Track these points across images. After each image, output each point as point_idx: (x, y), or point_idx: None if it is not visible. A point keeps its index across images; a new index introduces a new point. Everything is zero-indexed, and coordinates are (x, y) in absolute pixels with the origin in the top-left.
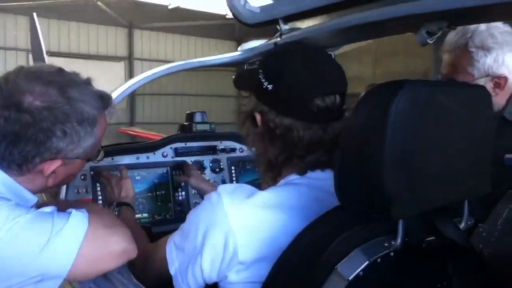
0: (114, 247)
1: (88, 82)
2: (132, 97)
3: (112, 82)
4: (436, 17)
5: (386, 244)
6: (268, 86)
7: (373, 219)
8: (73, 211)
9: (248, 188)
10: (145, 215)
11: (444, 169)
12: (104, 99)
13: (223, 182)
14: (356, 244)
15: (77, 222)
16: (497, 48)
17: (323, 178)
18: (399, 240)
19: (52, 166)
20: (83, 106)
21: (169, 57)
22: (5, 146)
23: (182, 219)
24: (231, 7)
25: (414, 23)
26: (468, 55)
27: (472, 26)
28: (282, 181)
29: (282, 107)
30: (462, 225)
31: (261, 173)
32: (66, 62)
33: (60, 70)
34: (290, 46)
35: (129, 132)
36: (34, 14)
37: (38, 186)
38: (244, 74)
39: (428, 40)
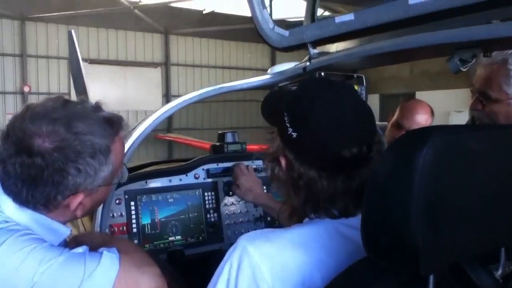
0: (145, 287)
1: (96, 108)
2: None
3: (150, 87)
4: (470, 44)
5: None
6: (293, 133)
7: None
8: (104, 252)
9: (270, 231)
10: (178, 237)
11: (478, 217)
12: (114, 124)
13: None
14: None
15: (108, 264)
16: None
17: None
18: None
19: (76, 200)
20: (93, 138)
21: (204, 62)
22: (26, 190)
23: (214, 241)
24: (260, 30)
25: (447, 50)
26: (506, 72)
27: None
28: (306, 219)
29: (306, 157)
30: (499, 272)
31: (282, 219)
32: (106, 69)
33: (65, 103)
34: (316, 86)
35: (167, 138)
36: (72, 31)
37: (69, 218)
38: (269, 106)
39: (461, 68)
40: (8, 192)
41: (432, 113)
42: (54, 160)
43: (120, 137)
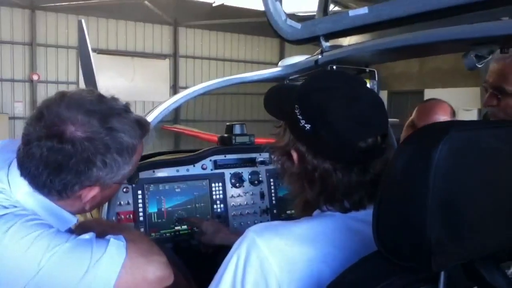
0: (151, 275)
1: (127, 109)
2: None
3: (158, 79)
4: (487, 40)
5: None
6: (306, 125)
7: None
8: (111, 239)
9: (279, 224)
10: (184, 227)
11: (494, 214)
12: (142, 127)
13: (262, 194)
14: None
15: (115, 251)
16: None
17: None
18: None
19: (91, 193)
20: (123, 136)
21: (212, 54)
22: (46, 174)
23: None
24: (273, 23)
25: (462, 46)
26: None
27: None
28: (316, 212)
29: (321, 149)
30: (510, 271)
31: (297, 212)
32: (114, 60)
33: (101, 98)
34: (329, 77)
35: (173, 129)
36: (82, 20)
37: (77, 209)
38: (276, 99)
39: (477, 64)
40: (26, 174)
41: (453, 113)
42: (84, 150)
43: (142, 140)
